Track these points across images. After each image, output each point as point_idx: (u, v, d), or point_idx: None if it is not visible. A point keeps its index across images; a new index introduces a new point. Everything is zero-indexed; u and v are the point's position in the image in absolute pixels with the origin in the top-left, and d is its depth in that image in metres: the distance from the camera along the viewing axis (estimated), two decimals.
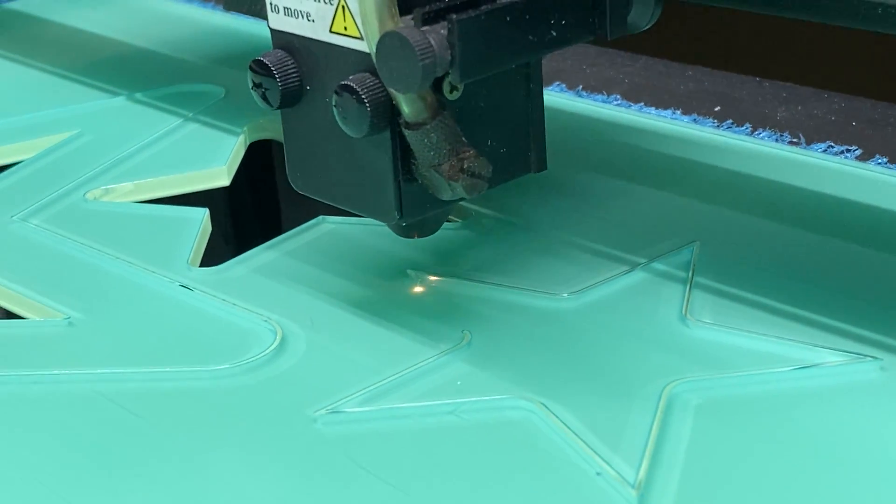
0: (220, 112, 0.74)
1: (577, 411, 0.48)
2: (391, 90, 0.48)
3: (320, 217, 0.62)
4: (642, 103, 0.72)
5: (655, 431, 0.47)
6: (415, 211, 0.52)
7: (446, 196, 0.50)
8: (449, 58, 0.47)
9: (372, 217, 0.53)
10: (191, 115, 0.74)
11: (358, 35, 0.49)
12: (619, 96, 0.73)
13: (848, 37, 0.51)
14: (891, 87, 0.81)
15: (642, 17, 0.52)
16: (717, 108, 0.70)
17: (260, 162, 0.81)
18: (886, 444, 0.46)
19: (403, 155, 0.50)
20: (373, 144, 0.50)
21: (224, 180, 0.69)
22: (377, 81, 0.49)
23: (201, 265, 0.61)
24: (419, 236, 0.56)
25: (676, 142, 0.68)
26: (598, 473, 0.46)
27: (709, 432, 0.47)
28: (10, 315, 0.60)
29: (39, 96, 0.78)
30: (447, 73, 0.47)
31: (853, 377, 0.49)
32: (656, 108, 0.71)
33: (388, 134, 0.50)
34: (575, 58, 0.78)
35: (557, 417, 0.48)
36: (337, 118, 0.50)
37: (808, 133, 0.67)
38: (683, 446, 0.47)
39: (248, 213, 0.84)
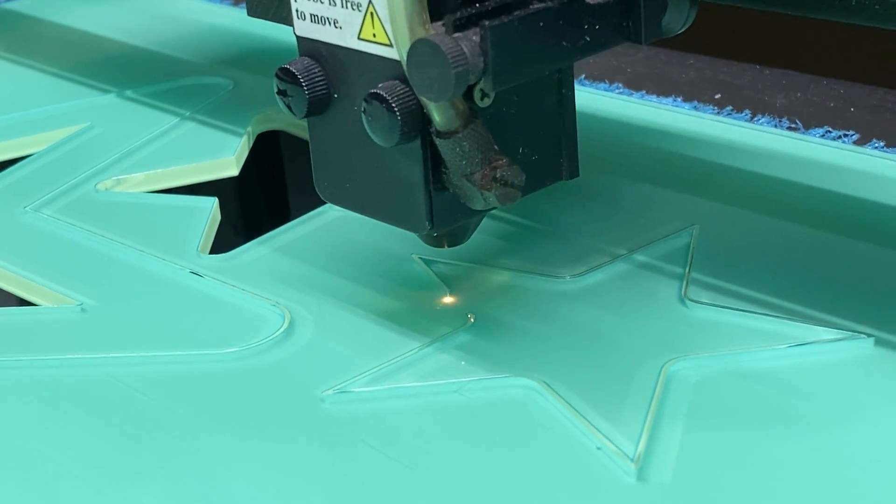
0: (229, 104, 0.75)
1: (578, 389, 0.49)
2: (422, 98, 0.46)
3: (327, 205, 0.63)
4: (644, 91, 0.73)
5: (654, 407, 0.48)
6: (446, 220, 0.50)
7: (479, 206, 0.48)
8: (481, 65, 0.45)
9: (402, 227, 0.51)
10: (199, 107, 0.74)
11: (387, 42, 0.48)
12: (621, 85, 0.73)
13: (848, 24, 0.52)
14: (890, 73, 0.81)
15: (677, 20, 0.50)
16: (717, 96, 0.71)
17: (268, 152, 0.82)
18: (879, 417, 0.47)
19: (434, 164, 0.48)
20: (403, 154, 0.49)
21: (233, 170, 0.69)
22: (407, 89, 0.47)
23: (211, 253, 0.62)
24: (449, 246, 0.54)
25: (676, 128, 0.68)
26: (598, 448, 0.47)
27: (706, 408, 0.48)
28: (24, 302, 0.61)
29: (51, 91, 0.79)
30: (478, 81, 0.45)
31: (847, 353, 0.50)
32: (658, 96, 0.72)
33: (418, 143, 0.48)
34: None
35: (559, 395, 0.49)
36: (366, 127, 0.48)
37: (807, 119, 0.68)
38: (681, 422, 0.47)
39: (256, 203, 0.85)
